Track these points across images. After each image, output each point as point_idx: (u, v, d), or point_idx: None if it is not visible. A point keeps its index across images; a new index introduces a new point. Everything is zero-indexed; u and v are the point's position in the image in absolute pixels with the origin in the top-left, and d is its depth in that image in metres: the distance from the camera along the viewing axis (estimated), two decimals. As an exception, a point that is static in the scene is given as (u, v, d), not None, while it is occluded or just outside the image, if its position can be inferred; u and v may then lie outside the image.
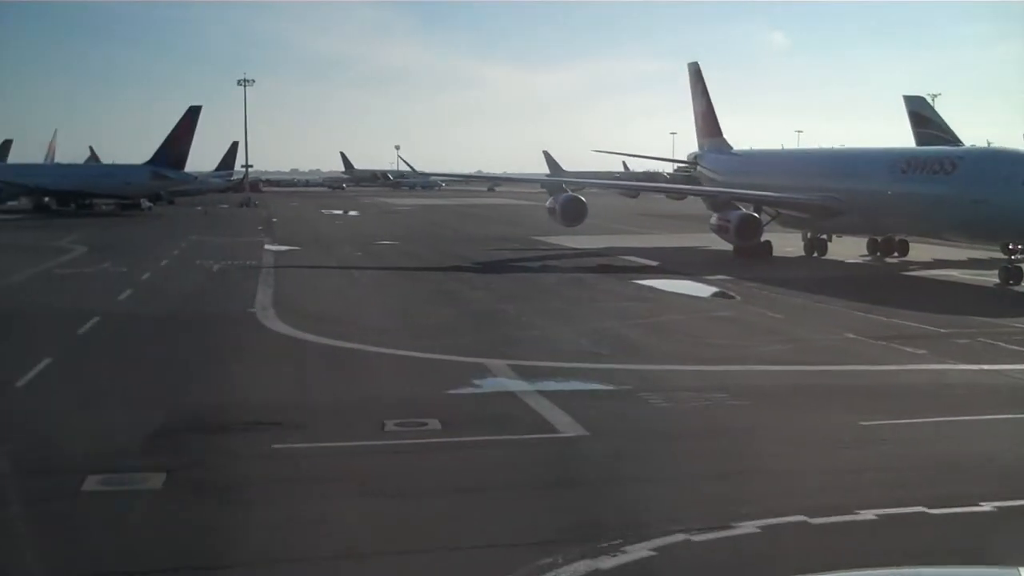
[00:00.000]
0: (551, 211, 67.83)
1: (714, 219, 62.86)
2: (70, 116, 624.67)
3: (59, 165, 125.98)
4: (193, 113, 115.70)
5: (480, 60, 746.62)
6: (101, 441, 19.98)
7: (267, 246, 70.48)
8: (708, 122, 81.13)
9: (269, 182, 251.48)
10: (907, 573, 8.00)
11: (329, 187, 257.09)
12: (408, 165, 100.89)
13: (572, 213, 65.74)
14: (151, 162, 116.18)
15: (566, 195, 67.51)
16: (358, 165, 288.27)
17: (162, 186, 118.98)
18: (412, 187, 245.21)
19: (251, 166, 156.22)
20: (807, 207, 60.60)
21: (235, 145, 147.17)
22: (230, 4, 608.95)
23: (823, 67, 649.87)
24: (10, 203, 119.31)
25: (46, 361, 27.83)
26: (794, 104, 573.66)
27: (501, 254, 64.83)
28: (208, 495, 16.84)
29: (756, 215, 59.83)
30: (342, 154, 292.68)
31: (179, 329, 34.77)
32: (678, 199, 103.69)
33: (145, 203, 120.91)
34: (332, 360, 29.29)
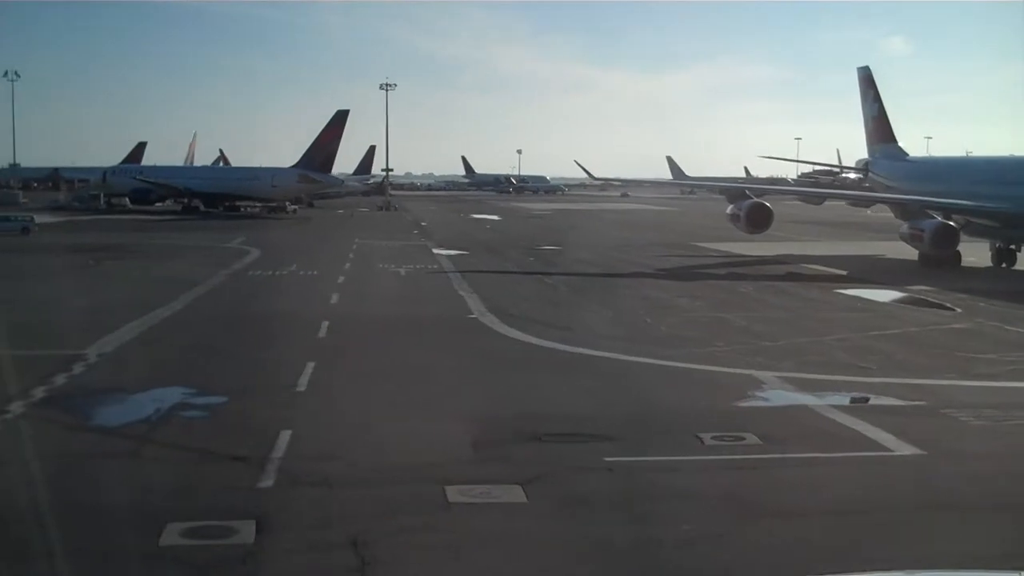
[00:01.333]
0: (734, 217, 66.75)
1: (905, 227, 60.94)
2: (206, 120, 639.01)
3: (207, 168, 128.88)
4: (341, 117, 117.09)
5: (595, 65, 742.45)
6: (432, 450, 19.67)
7: (435, 250, 70.64)
8: (880, 127, 78.91)
9: (392, 185, 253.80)
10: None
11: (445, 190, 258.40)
12: (586, 172, 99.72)
13: (757, 219, 64.64)
14: (298, 165, 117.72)
15: (751, 201, 66.31)
16: (478, 170, 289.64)
17: (309, 189, 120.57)
18: (535, 191, 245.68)
19: (392, 170, 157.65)
20: (1001, 216, 58.38)
21: (372, 149, 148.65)
22: (354, 5, 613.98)
23: (945, 71, 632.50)
24: (157, 204, 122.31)
25: (311, 364, 27.77)
26: (918, 109, 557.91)
27: (676, 261, 64.12)
28: (583, 508, 16.38)
29: (953, 224, 57.80)
30: (463, 158, 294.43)
31: (414, 334, 34.57)
32: (816, 203, 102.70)
33: (290, 206, 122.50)
34: (592, 368, 28.77)
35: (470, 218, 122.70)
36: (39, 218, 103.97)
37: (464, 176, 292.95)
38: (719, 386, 26.35)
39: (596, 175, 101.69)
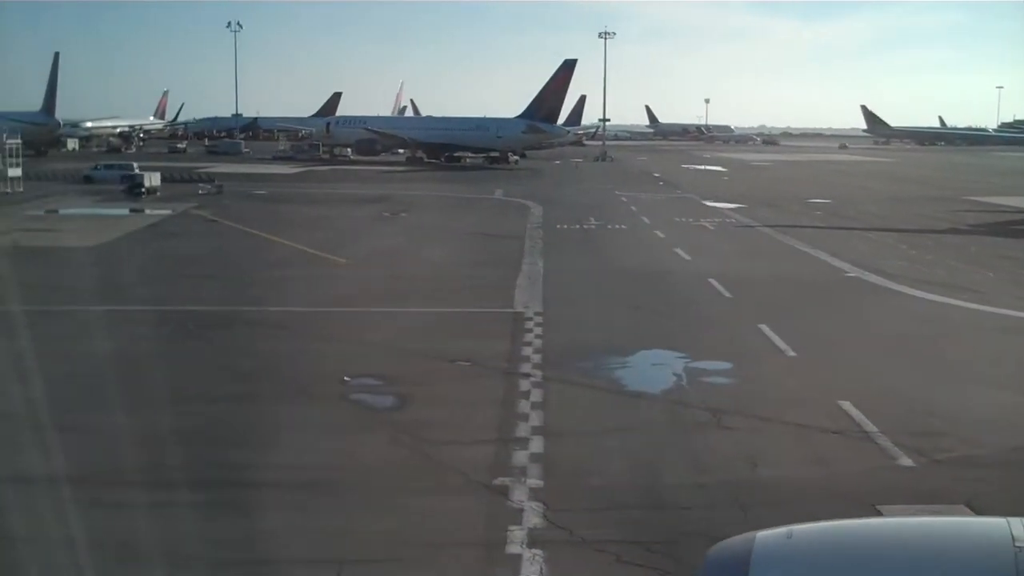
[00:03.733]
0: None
1: None
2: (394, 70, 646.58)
3: (430, 118, 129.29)
4: (568, 66, 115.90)
5: (758, 13, 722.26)
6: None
7: (706, 203, 69.15)
8: None
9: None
10: (890, 522, 6.80)
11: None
12: (879, 120, 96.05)
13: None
14: (524, 115, 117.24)
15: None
16: (663, 119, 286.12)
17: (535, 140, 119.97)
18: (726, 141, 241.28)
19: (609, 120, 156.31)
20: None
21: (583, 99, 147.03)
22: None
23: None
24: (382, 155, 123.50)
25: (763, 327, 26.72)
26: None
27: (976, 216, 61.36)
28: None
29: None
30: (647, 108, 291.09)
31: (820, 295, 33.28)
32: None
33: (512, 157, 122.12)
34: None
35: (696, 168, 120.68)
36: (271, 168, 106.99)
37: (648, 126, 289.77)
38: None
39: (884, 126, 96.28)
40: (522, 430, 17.75)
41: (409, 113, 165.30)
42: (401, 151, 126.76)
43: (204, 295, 31.67)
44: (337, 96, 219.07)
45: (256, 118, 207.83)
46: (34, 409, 17.77)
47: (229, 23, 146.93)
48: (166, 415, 18.26)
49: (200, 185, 73.41)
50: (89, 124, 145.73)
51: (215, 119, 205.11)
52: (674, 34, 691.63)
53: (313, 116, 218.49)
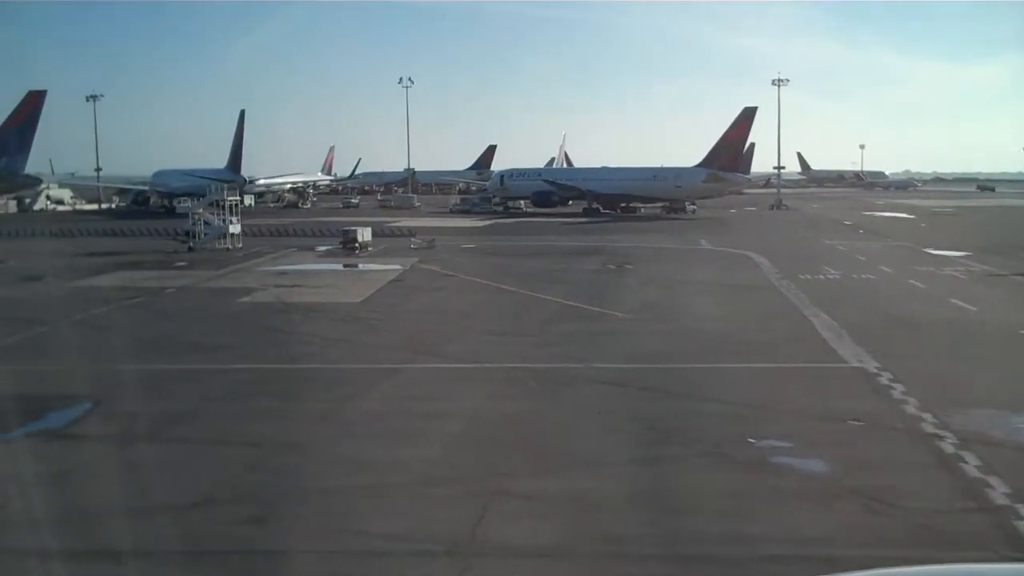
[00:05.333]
0: None
1: None
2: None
3: (606, 168, 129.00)
4: (748, 113, 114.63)
5: (903, 54, 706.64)
6: None
7: (930, 250, 66.89)
8: None
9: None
10: (922, 571, 5.56)
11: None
12: None
13: None
14: (703, 163, 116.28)
15: None
16: (814, 166, 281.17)
17: (716, 189, 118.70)
18: (886, 187, 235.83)
19: (784, 167, 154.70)
20: None
21: (752, 147, 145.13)
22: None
23: None
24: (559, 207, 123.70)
25: None
26: None
27: None
28: None
29: None
30: (799, 154, 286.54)
31: None
32: None
33: (689, 206, 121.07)
34: None
35: (883, 216, 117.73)
36: (454, 221, 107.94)
37: (800, 173, 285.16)
38: None
39: None
40: (998, 497, 16.84)
41: (563, 164, 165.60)
42: (570, 202, 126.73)
43: (517, 351, 31.48)
44: (492, 149, 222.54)
45: (413, 171, 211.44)
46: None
47: (400, 79, 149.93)
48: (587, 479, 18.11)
49: (412, 240, 74.16)
50: (262, 181, 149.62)
51: (378, 174, 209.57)
52: (820, 78, 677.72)
53: (468, 168, 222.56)
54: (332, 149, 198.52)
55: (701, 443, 20.80)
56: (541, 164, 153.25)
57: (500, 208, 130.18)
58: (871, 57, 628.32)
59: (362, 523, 16.24)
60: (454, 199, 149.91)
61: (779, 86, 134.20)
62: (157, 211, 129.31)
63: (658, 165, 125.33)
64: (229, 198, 73.55)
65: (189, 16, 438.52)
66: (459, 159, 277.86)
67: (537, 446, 20.61)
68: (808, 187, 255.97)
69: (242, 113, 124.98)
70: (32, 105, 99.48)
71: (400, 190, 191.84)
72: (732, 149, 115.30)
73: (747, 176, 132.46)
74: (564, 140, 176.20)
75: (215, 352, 31.49)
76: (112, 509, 16.40)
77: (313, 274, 56.36)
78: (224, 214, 71.39)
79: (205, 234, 70.67)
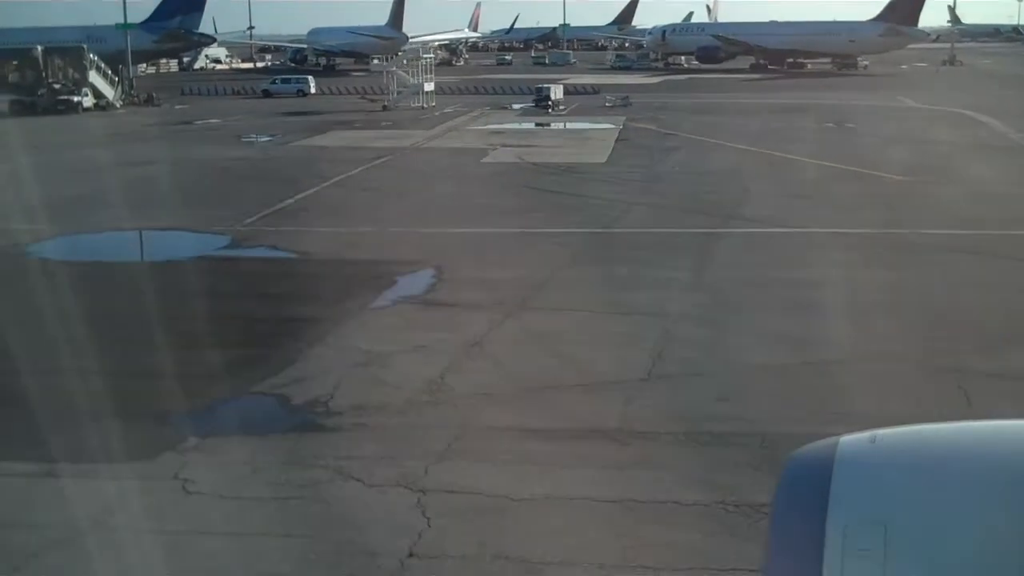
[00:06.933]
0: None
1: None
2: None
3: (775, 23, 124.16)
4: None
5: None
6: None
7: None
8: None
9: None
10: (981, 425, 4.53)
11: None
12: None
13: None
14: (880, 17, 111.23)
15: None
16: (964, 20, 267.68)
17: (894, 43, 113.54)
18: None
19: (959, 22, 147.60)
20: None
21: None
22: None
23: None
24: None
25: None
26: None
27: None
28: None
29: None
30: (949, 7, 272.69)
31: None
32: None
33: (862, 62, 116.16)
34: None
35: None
36: (623, 78, 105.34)
37: (950, 24, 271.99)
38: None
39: None
40: None
41: (703, 18, 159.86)
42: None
43: (824, 216, 30.16)
44: (634, 3, 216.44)
45: (554, 28, 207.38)
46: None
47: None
48: None
49: (607, 98, 72.31)
50: (418, 38, 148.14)
51: (520, 30, 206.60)
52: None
53: (610, 24, 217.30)
54: (478, 6, 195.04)
55: None
56: (678, 20, 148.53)
57: (660, 64, 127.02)
58: None
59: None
60: (609, 55, 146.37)
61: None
62: (314, 69, 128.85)
63: (814, 20, 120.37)
64: (417, 56, 72.60)
65: None
66: (596, 14, 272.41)
67: (979, 321, 19.24)
68: (962, 41, 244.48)
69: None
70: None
71: (540, 47, 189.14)
72: (912, 2, 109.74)
73: (927, 32, 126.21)
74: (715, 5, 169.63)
75: (527, 215, 30.47)
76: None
77: (528, 133, 55.57)
78: (419, 72, 70.34)
79: (399, 92, 69.92)
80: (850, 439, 4.47)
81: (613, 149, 46.50)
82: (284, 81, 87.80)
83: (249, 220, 29.92)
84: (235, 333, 19.02)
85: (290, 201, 33.19)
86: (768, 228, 28.47)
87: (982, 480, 4.19)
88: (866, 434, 4.51)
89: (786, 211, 30.89)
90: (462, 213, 31.31)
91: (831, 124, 56.87)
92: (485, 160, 43.59)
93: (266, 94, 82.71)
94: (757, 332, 18.74)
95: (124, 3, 79.90)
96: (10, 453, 13.73)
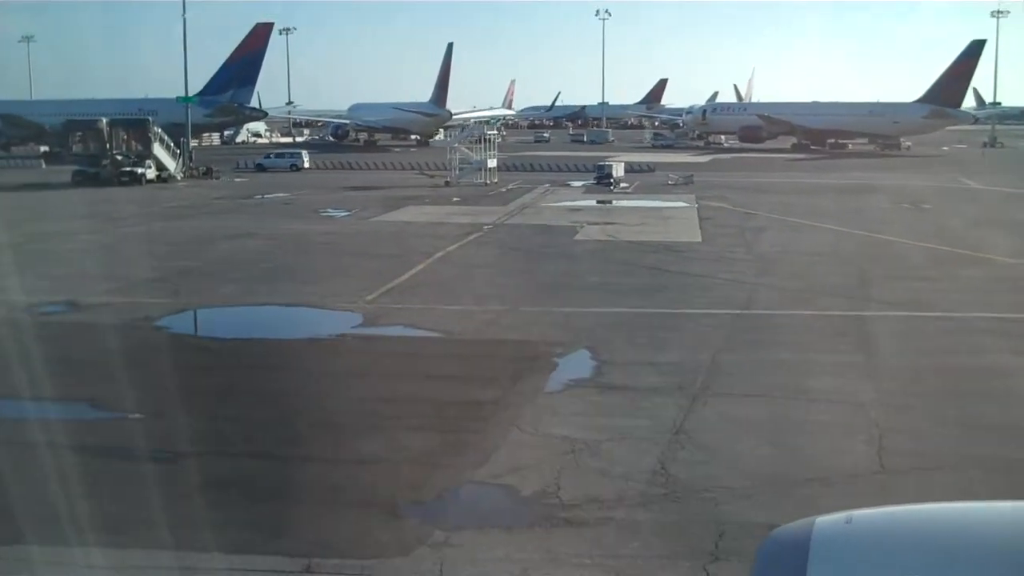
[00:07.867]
0: None
1: None
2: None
3: (818, 103, 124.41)
4: (974, 49, 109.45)
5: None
6: None
7: None
8: None
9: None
10: (955, 507, 4.96)
11: None
12: None
13: None
14: (924, 99, 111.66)
15: None
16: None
17: (938, 125, 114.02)
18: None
19: (1000, 103, 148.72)
20: None
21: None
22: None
23: None
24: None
25: None
26: None
27: None
28: None
29: None
30: (974, 89, 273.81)
31: None
32: None
33: (905, 143, 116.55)
34: None
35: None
36: (668, 156, 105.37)
37: (976, 108, 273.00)
38: None
39: None
40: None
41: (730, 99, 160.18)
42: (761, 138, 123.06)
43: (960, 299, 29.47)
44: (663, 83, 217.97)
45: (584, 106, 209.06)
46: None
47: (597, 11, 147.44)
48: None
49: (669, 176, 72.09)
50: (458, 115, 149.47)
51: (541, 107, 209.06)
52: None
53: (638, 103, 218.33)
54: (513, 82, 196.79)
55: None
56: (702, 101, 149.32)
57: (700, 143, 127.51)
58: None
59: None
60: (647, 133, 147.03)
61: (998, 18, 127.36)
62: (353, 144, 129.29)
63: (857, 101, 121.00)
64: (475, 132, 72.71)
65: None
66: (624, 93, 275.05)
67: None
68: (1004, 123, 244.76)
69: (449, 46, 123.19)
70: (259, 37, 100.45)
71: (570, 125, 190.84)
72: (957, 84, 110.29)
73: (972, 114, 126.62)
74: (753, 74, 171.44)
75: (653, 295, 29.96)
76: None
77: (604, 211, 55.20)
78: (483, 148, 70.30)
79: (461, 168, 69.86)
80: (826, 520, 4.57)
81: (702, 228, 46.02)
82: (279, 156, 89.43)
83: (370, 296, 29.35)
84: (419, 416, 18.35)
85: (405, 277, 32.66)
86: (914, 312, 27.76)
87: (955, 562, 4.22)
88: (842, 515, 4.60)
89: (919, 293, 30.21)
90: (586, 291, 30.72)
91: (907, 204, 56.51)
92: (578, 237, 43.15)
93: (260, 168, 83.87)
94: (968, 423, 17.99)
95: (186, 77, 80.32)
96: (254, 546, 13.03)
